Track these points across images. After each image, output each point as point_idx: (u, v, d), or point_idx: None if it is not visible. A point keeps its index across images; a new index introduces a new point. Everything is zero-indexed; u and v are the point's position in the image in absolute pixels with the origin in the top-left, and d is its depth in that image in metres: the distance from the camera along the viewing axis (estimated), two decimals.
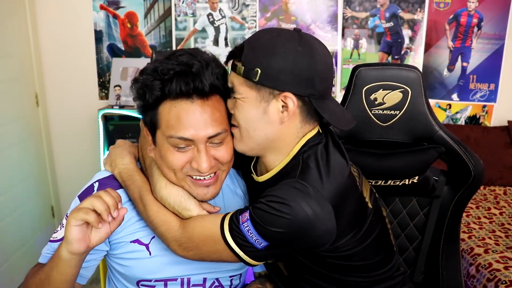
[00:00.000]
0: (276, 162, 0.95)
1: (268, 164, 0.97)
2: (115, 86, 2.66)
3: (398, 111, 1.17)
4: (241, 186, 1.14)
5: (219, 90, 0.92)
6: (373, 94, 1.17)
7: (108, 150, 2.61)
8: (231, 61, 0.95)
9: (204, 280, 1.05)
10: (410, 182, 1.20)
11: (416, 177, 1.20)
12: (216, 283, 1.07)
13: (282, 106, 0.89)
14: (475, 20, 2.62)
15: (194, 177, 0.94)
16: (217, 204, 1.04)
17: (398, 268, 1.07)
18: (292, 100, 0.88)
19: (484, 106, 2.73)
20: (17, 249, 2.47)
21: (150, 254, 1.01)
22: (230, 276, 1.08)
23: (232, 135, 0.97)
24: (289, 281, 1.05)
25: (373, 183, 1.20)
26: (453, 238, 1.26)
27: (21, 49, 2.56)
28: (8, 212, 2.41)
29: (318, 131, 0.94)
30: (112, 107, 2.62)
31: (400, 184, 1.20)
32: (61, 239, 0.94)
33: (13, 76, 2.48)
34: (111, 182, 1.03)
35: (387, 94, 1.17)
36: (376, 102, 1.18)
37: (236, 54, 0.92)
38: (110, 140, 2.64)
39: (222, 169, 0.97)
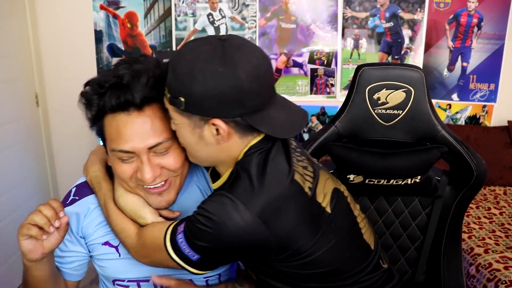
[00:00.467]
0: (224, 172, 0.93)
1: (220, 173, 0.94)
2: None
3: (401, 111, 1.17)
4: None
5: (156, 99, 0.88)
6: (376, 94, 1.17)
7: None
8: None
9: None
10: (412, 182, 1.20)
11: (419, 177, 1.20)
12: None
13: (216, 130, 0.84)
14: (475, 20, 2.62)
15: (145, 186, 0.93)
16: (186, 207, 1.02)
17: (378, 266, 1.02)
18: (222, 128, 0.83)
19: (484, 106, 2.74)
20: (17, 249, 2.44)
21: (119, 255, 1.03)
22: (205, 278, 1.08)
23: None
24: (259, 285, 1.04)
25: (375, 182, 1.20)
26: (455, 238, 1.26)
27: (21, 49, 2.56)
28: (8, 212, 2.41)
29: (265, 136, 0.89)
30: None
31: (402, 183, 1.20)
32: None
33: (13, 76, 2.48)
34: (87, 187, 1.06)
35: (390, 93, 1.17)
36: (379, 102, 1.18)
37: (164, 77, 0.86)
38: None
39: (174, 175, 0.95)
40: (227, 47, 0.82)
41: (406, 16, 2.64)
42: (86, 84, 0.91)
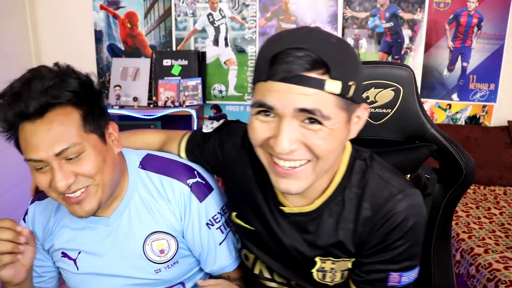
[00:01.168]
0: (323, 183, 0.84)
1: (312, 189, 0.84)
2: (115, 86, 2.66)
3: (390, 110, 1.17)
4: (178, 205, 1.03)
5: (58, 103, 0.85)
6: (365, 93, 1.17)
7: None
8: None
9: None
10: None
11: (408, 175, 1.20)
12: None
13: (357, 119, 0.78)
14: (475, 20, 2.62)
15: (65, 194, 0.89)
16: (126, 221, 1.01)
17: None
18: (367, 111, 0.78)
19: (484, 106, 2.74)
20: None
21: (77, 269, 1.03)
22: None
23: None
24: None
25: None
26: (445, 235, 1.26)
27: (21, 49, 2.56)
28: (8, 212, 2.41)
29: None
30: (112, 107, 2.62)
31: None
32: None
33: (13, 76, 2.46)
34: (42, 192, 1.05)
35: (379, 92, 1.16)
36: (368, 100, 1.18)
37: (304, 66, 0.70)
38: None
39: (95, 184, 0.90)
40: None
41: (406, 16, 2.64)
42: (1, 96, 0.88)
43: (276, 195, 0.89)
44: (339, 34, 2.66)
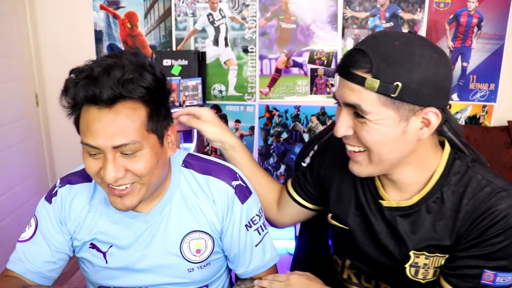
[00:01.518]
0: (415, 176, 0.90)
1: (403, 181, 0.92)
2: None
3: None
4: (219, 211, 1.04)
5: (130, 97, 0.84)
6: None
7: None
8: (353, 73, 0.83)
9: None
10: None
11: None
12: None
13: (423, 123, 0.83)
14: (475, 20, 2.62)
15: (110, 185, 0.90)
16: (166, 219, 1.02)
17: None
18: (437, 116, 0.82)
19: (484, 106, 2.74)
20: None
21: (106, 262, 1.02)
22: None
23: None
24: None
25: None
26: None
27: (21, 49, 2.56)
28: (8, 212, 2.41)
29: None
30: None
31: None
32: (29, 239, 1.04)
33: (13, 76, 2.48)
34: (76, 176, 1.06)
35: None
36: None
37: (357, 64, 0.81)
38: None
39: (141, 182, 0.90)
40: (427, 39, 0.84)
41: (406, 16, 2.64)
42: (71, 72, 0.89)
43: (377, 188, 0.96)
44: (339, 34, 2.67)
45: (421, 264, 0.93)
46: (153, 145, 0.88)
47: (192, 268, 1.05)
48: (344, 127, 0.86)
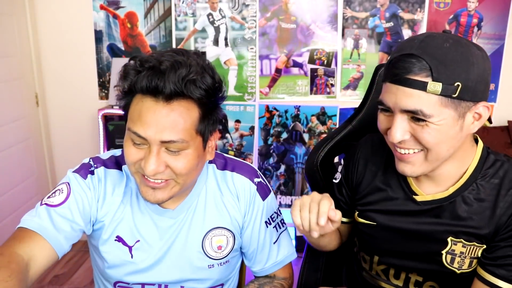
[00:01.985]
0: (454, 171, 0.95)
1: (442, 175, 0.96)
2: (115, 86, 2.64)
3: None
4: (244, 207, 1.07)
5: (187, 96, 0.86)
6: None
7: (108, 150, 2.62)
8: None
9: None
10: None
11: None
12: None
13: (473, 117, 0.87)
14: (475, 20, 2.62)
15: (145, 175, 0.91)
16: (191, 215, 1.03)
17: None
18: (487, 108, 0.86)
19: None
20: None
21: (131, 257, 1.02)
22: None
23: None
24: None
25: None
26: None
27: (21, 49, 2.56)
28: (8, 212, 2.41)
29: None
30: (112, 107, 2.62)
31: None
32: (60, 204, 0.97)
33: (13, 76, 2.48)
34: (109, 160, 1.04)
35: None
36: None
37: (412, 70, 0.83)
38: (110, 140, 2.64)
39: (177, 180, 0.92)
40: (463, 37, 0.88)
41: (406, 16, 2.64)
42: (132, 58, 0.89)
43: (409, 184, 1.00)
44: (339, 34, 2.67)
45: (458, 252, 0.96)
46: (197, 147, 0.90)
47: (213, 265, 1.06)
48: (401, 132, 0.87)
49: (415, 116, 0.85)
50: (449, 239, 0.96)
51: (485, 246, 0.94)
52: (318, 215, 0.88)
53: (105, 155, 1.06)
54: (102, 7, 2.69)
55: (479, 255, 0.95)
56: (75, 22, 2.72)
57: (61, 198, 0.98)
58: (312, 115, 2.77)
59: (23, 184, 2.57)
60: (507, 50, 2.64)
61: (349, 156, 1.14)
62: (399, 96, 0.85)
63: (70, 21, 2.72)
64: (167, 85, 0.83)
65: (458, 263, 0.96)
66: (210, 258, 1.06)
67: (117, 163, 1.03)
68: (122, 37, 2.74)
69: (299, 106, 2.75)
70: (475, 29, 2.63)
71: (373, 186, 1.06)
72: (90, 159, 1.04)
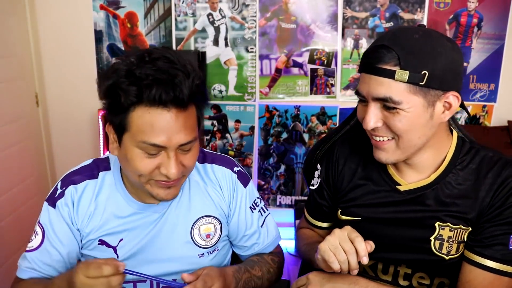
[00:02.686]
0: (432, 158, 1.00)
1: (422, 163, 1.00)
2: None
3: None
4: (217, 189, 1.13)
5: (195, 99, 0.92)
6: None
7: (108, 150, 2.62)
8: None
9: (174, 281, 1.07)
10: None
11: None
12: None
13: (444, 106, 0.92)
14: (475, 20, 2.62)
15: (160, 180, 0.95)
16: (176, 207, 1.06)
17: None
18: (457, 98, 0.91)
19: (484, 106, 2.74)
20: (17, 249, 2.46)
21: (117, 257, 1.04)
22: None
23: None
24: None
25: None
26: None
27: (21, 49, 2.56)
28: (8, 212, 2.41)
29: None
30: None
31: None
32: (38, 247, 1.03)
33: (13, 76, 2.48)
34: (79, 174, 1.07)
35: None
36: None
37: (382, 59, 0.89)
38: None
39: (185, 174, 0.98)
40: (435, 30, 0.93)
41: (406, 16, 2.64)
42: (114, 71, 0.88)
43: (391, 176, 1.05)
44: (339, 34, 2.67)
45: (446, 237, 0.99)
46: (198, 139, 0.97)
47: (203, 254, 1.09)
48: (374, 120, 0.93)
49: (386, 104, 0.90)
50: (436, 224, 0.99)
51: (470, 229, 0.97)
52: (359, 255, 0.87)
53: (82, 165, 1.10)
54: (102, 7, 2.69)
55: (465, 239, 0.98)
56: (75, 22, 2.72)
57: (38, 242, 1.05)
58: (312, 115, 2.77)
59: (23, 184, 2.57)
60: (507, 50, 2.64)
61: (327, 158, 1.17)
62: (371, 85, 0.90)
63: (70, 21, 2.72)
64: (185, 94, 0.87)
65: (446, 248, 0.99)
66: (199, 247, 1.08)
67: (92, 171, 1.07)
68: (122, 37, 2.73)
69: (299, 106, 2.75)
70: (475, 29, 2.63)
71: (354, 183, 1.10)
72: (59, 181, 1.07)
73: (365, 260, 0.87)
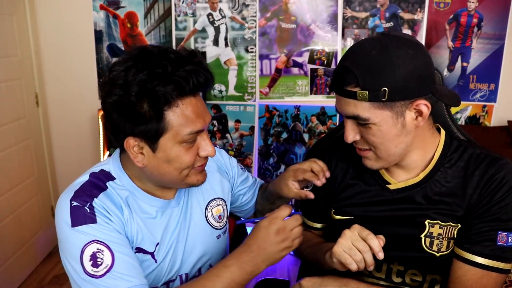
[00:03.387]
0: (420, 159, 1.01)
1: (410, 164, 1.03)
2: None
3: None
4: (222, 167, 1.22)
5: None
6: None
7: (108, 150, 2.62)
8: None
9: (199, 270, 1.10)
10: None
11: None
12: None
13: (416, 113, 0.93)
14: (475, 20, 2.62)
15: (196, 165, 0.97)
16: (188, 196, 1.10)
17: None
18: (426, 105, 0.91)
19: (484, 106, 2.74)
20: (17, 249, 2.46)
21: (156, 261, 1.01)
22: (222, 258, 1.12)
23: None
24: None
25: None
26: None
27: (21, 49, 2.56)
28: (8, 212, 2.41)
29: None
30: None
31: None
32: (112, 263, 0.88)
33: (13, 76, 2.48)
34: (87, 191, 0.95)
35: None
36: None
37: (345, 82, 0.91)
38: (110, 140, 2.64)
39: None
40: (400, 37, 0.92)
41: (406, 16, 2.64)
42: (126, 86, 0.84)
43: (381, 175, 1.07)
44: (339, 34, 2.67)
45: (436, 234, 1.00)
46: None
47: (219, 235, 1.13)
48: (351, 134, 0.97)
49: (358, 121, 0.94)
50: (426, 222, 1.01)
51: (460, 226, 0.99)
52: (374, 251, 0.89)
53: (82, 182, 0.97)
54: (102, 7, 2.70)
55: (455, 236, 0.99)
56: (75, 22, 2.72)
57: (108, 260, 0.89)
58: (312, 115, 2.77)
59: (23, 184, 2.57)
60: (507, 50, 2.64)
61: (321, 159, 1.20)
62: (341, 104, 0.95)
63: (70, 21, 2.72)
64: (205, 77, 0.91)
65: (437, 245, 1.00)
66: (215, 229, 1.12)
67: (98, 183, 0.97)
68: (122, 37, 2.74)
69: (299, 106, 2.75)
70: (475, 29, 2.63)
71: (346, 183, 1.12)
72: (74, 200, 0.92)
73: (381, 256, 0.88)
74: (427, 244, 1.01)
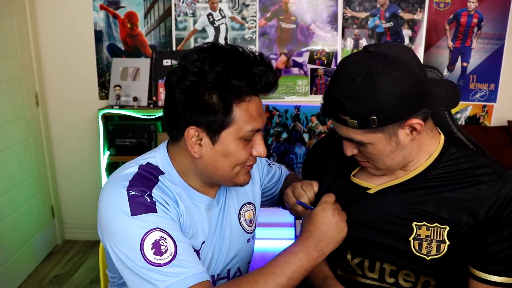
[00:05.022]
0: (417, 156, 1.01)
1: (407, 167, 1.03)
2: (115, 86, 2.66)
3: None
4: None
5: None
6: None
7: (108, 150, 2.62)
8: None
9: (228, 271, 1.10)
10: None
11: None
12: (238, 273, 1.12)
13: (409, 129, 0.93)
14: (475, 20, 2.62)
15: (247, 164, 0.99)
16: (226, 196, 1.10)
17: None
18: (418, 123, 0.91)
19: (484, 106, 2.74)
20: (17, 249, 2.46)
21: (200, 259, 0.99)
22: (248, 263, 1.15)
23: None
24: None
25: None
26: None
27: (21, 49, 2.56)
28: (8, 212, 2.41)
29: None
30: (112, 107, 2.62)
31: None
32: (176, 252, 0.87)
33: (13, 76, 2.48)
34: (141, 182, 0.93)
35: None
36: None
37: (335, 110, 0.93)
38: (110, 140, 2.64)
39: None
40: (385, 56, 0.89)
41: (406, 16, 2.64)
42: (201, 75, 0.87)
43: (358, 183, 1.07)
44: (339, 34, 2.67)
45: (424, 237, 0.99)
46: None
47: (249, 239, 1.13)
48: (349, 150, 1.00)
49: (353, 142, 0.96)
50: (413, 225, 1.00)
51: (448, 228, 0.97)
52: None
53: (132, 173, 0.95)
54: (102, 7, 2.70)
55: (445, 239, 0.98)
56: (75, 22, 2.72)
57: (171, 248, 0.87)
58: (312, 115, 2.77)
59: (23, 184, 2.57)
60: (507, 50, 2.64)
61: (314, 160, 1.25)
62: (336, 126, 0.98)
63: (70, 21, 2.72)
64: (273, 79, 0.93)
65: (426, 248, 0.99)
66: (247, 232, 1.12)
67: (149, 176, 0.95)
68: (122, 37, 2.74)
69: (299, 106, 2.75)
70: (475, 29, 2.63)
71: (333, 183, 1.14)
72: (131, 189, 0.90)
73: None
74: (416, 247, 1.00)
